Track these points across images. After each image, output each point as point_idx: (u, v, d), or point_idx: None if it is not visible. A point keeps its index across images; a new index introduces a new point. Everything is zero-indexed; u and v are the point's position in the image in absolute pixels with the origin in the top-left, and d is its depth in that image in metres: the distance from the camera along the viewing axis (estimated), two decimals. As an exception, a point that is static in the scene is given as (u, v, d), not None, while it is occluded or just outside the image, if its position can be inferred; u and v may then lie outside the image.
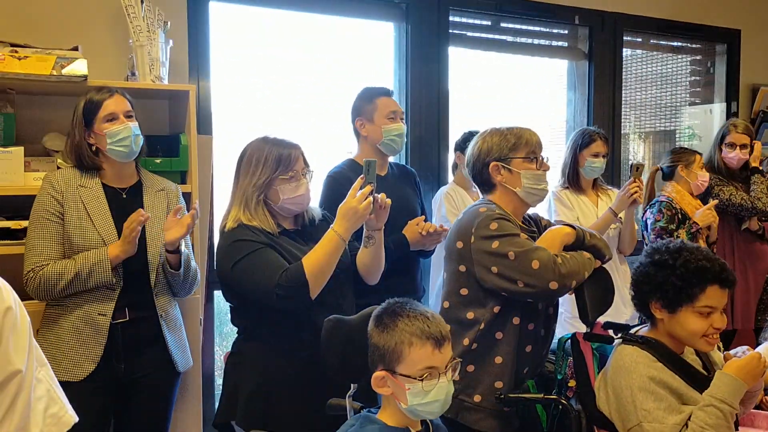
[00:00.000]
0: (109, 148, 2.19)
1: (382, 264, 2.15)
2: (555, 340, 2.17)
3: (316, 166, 2.18)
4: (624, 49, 4.21)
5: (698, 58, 4.69)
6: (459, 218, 2.12)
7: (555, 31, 4.09)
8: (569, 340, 2.06)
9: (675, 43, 4.60)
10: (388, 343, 1.51)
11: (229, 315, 2.17)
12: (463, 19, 3.75)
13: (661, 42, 4.52)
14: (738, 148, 3.59)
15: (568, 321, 3.01)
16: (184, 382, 2.46)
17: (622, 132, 4.26)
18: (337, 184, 2.53)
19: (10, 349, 1.05)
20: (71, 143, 2.22)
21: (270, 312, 1.98)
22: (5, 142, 2.44)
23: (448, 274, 2.11)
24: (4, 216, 2.39)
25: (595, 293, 2.03)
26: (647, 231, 3.35)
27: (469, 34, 3.81)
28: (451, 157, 3.39)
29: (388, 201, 2.04)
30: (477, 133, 2.61)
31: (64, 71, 2.38)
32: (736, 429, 1.87)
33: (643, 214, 3.40)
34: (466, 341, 2.01)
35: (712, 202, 3.36)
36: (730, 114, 4.56)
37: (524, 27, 3.97)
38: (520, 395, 1.99)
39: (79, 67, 2.40)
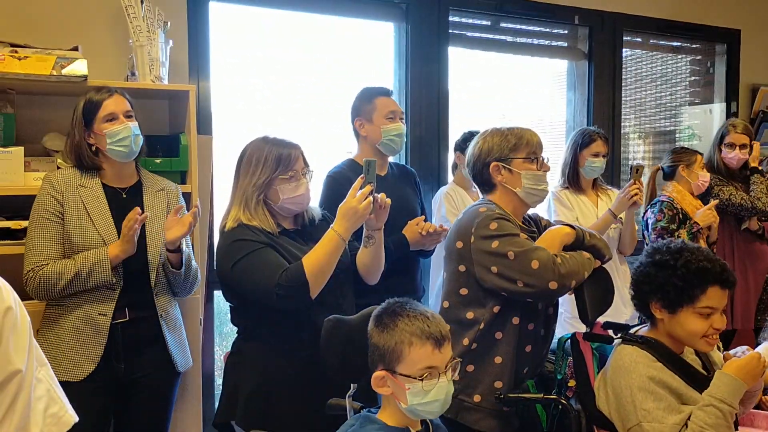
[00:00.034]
0: (108, 148, 2.19)
1: (381, 264, 2.15)
2: (555, 340, 2.17)
3: (316, 166, 2.19)
4: (624, 49, 4.21)
5: (698, 58, 4.69)
6: (459, 218, 2.12)
7: (555, 31, 4.09)
8: (569, 340, 2.06)
9: (675, 43, 4.60)
10: (388, 342, 1.51)
11: (228, 315, 2.17)
12: (463, 19, 3.75)
13: (661, 42, 4.52)
14: (737, 148, 3.60)
15: (567, 321, 3.01)
16: (183, 382, 2.46)
17: (622, 132, 4.27)
18: (337, 184, 2.53)
19: (10, 348, 1.05)
20: (71, 143, 2.22)
21: (270, 312, 1.98)
22: (5, 142, 2.44)
23: (447, 274, 2.11)
24: (4, 216, 2.39)
25: (594, 293, 2.03)
26: (648, 231, 3.35)
27: (469, 34, 3.82)
28: (451, 157, 3.39)
29: (388, 201, 2.04)
30: (477, 133, 2.60)
31: (64, 71, 2.38)
32: (736, 429, 1.87)
33: (644, 213, 3.40)
34: (465, 341, 2.01)
35: (713, 202, 3.37)
36: (729, 114, 4.57)
37: (524, 27, 3.97)
38: (519, 395, 1.99)
39: (79, 67, 2.40)
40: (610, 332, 2.07)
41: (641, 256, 1.99)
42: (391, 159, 2.80)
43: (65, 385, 1.22)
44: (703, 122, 4.67)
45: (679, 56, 4.65)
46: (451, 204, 3.08)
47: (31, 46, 2.43)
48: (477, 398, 2.00)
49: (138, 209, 2.12)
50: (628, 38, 4.25)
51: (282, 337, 2.01)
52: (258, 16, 3.32)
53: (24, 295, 1.65)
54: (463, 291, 2.03)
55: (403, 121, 2.72)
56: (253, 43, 3.32)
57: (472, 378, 2.01)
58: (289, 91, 3.40)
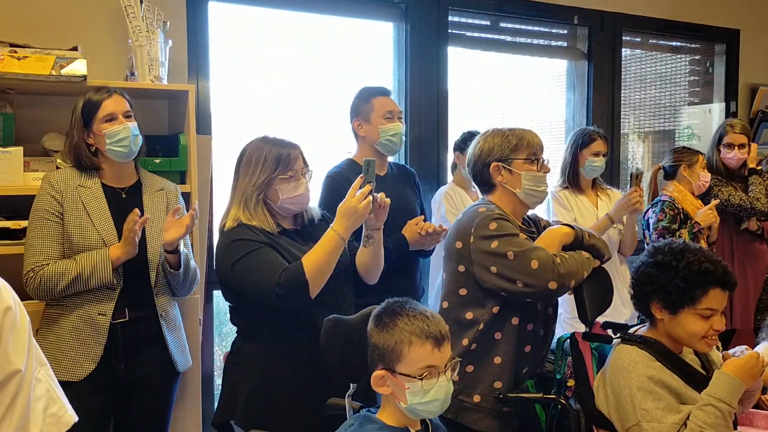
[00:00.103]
0: (108, 148, 2.19)
1: (381, 264, 2.15)
2: (554, 340, 2.17)
3: (316, 166, 2.19)
4: (623, 49, 4.22)
5: (697, 57, 4.70)
6: (458, 218, 2.13)
7: (554, 31, 4.09)
8: (568, 340, 2.06)
9: (674, 43, 4.60)
10: (388, 342, 1.51)
11: (228, 314, 2.17)
12: (463, 19, 3.75)
13: (660, 42, 4.52)
14: (736, 148, 3.60)
15: (567, 321, 3.01)
16: (183, 381, 2.46)
17: (621, 132, 4.27)
18: (337, 184, 2.53)
19: (9, 348, 1.05)
20: (70, 143, 2.22)
21: (269, 311, 1.98)
22: (4, 142, 2.44)
23: (447, 274, 2.11)
24: (4, 216, 2.39)
25: (594, 293, 2.03)
26: (649, 230, 3.36)
27: (468, 34, 3.82)
28: (451, 157, 3.39)
29: (388, 200, 2.04)
30: (476, 133, 2.60)
31: (64, 71, 2.38)
32: (735, 428, 1.88)
33: (645, 213, 3.40)
34: (465, 341, 2.01)
35: (714, 202, 3.37)
36: (729, 114, 4.57)
37: (523, 27, 3.97)
38: (519, 395, 1.99)
39: (78, 67, 2.40)
40: (609, 332, 2.07)
41: (642, 256, 1.99)
42: (390, 159, 2.80)
43: (65, 385, 1.22)
44: (703, 122, 4.67)
45: (679, 56, 4.65)
46: (450, 204, 3.08)
47: (30, 46, 2.43)
48: (476, 398, 2.00)
49: (137, 211, 2.13)
50: (628, 38, 4.25)
51: (281, 336, 2.01)
52: (257, 16, 3.32)
53: (23, 295, 1.65)
54: (463, 291, 2.03)
55: (402, 120, 2.71)
56: (253, 42, 3.32)
57: (471, 378, 2.01)
58: (288, 91, 3.40)
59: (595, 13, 4.04)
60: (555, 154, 3.51)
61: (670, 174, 3.47)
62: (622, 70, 4.21)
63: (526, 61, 4.14)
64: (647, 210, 3.39)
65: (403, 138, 2.73)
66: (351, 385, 1.75)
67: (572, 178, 3.22)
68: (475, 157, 2.12)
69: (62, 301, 2.16)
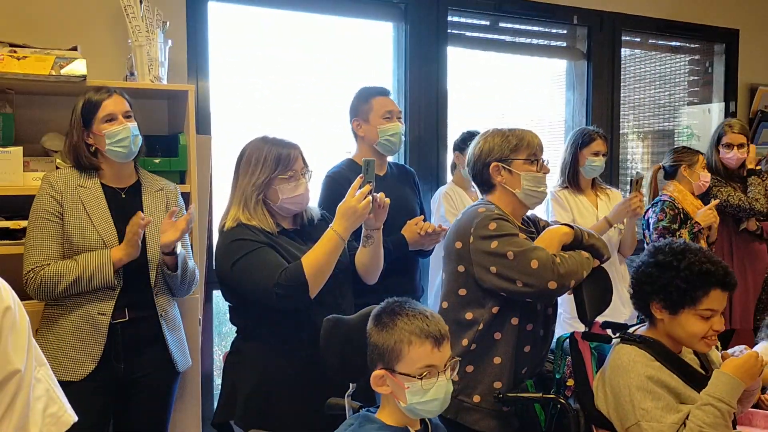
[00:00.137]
0: (108, 148, 2.19)
1: (380, 264, 2.16)
2: (554, 340, 2.17)
3: (315, 166, 2.19)
4: (622, 49, 4.22)
5: (697, 57, 4.70)
6: (458, 218, 2.13)
7: (553, 31, 4.10)
8: (567, 340, 2.07)
9: (673, 43, 4.60)
10: (388, 341, 1.51)
11: (227, 314, 2.17)
12: (462, 19, 3.75)
13: (660, 42, 4.52)
14: (735, 148, 3.60)
15: (566, 321, 3.01)
16: (182, 381, 2.46)
17: (621, 132, 4.27)
18: (336, 184, 2.53)
19: (9, 348, 1.05)
20: (69, 143, 2.22)
21: (269, 311, 1.98)
22: (4, 142, 2.44)
23: (446, 275, 2.11)
24: (3, 216, 2.39)
25: (593, 292, 2.03)
26: (649, 230, 3.36)
27: (468, 34, 3.82)
28: (450, 156, 3.39)
29: (387, 200, 2.04)
30: (476, 132, 2.59)
31: (63, 71, 2.38)
32: (734, 428, 1.88)
33: (645, 213, 3.40)
34: (464, 342, 2.01)
35: (714, 202, 3.38)
36: (728, 114, 4.57)
37: (523, 27, 3.97)
38: (518, 394, 1.99)
39: (77, 67, 2.40)
40: (609, 332, 2.07)
41: (642, 255, 1.99)
42: (390, 159, 2.80)
43: (65, 385, 1.22)
44: (702, 122, 4.68)
45: (678, 56, 4.65)
46: (450, 204, 3.08)
47: (29, 46, 2.43)
48: (476, 399, 2.00)
49: (141, 214, 2.13)
50: (627, 38, 4.25)
51: (281, 336, 2.02)
52: (257, 16, 3.32)
53: (23, 295, 1.65)
54: (462, 291, 2.03)
55: (401, 120, 2.71)
56: (252, 42, 3.32)
57: (471, 378, 2.01)
58: (288, 91, 3.40)
59: (594, 13, 4.05)
60: (554, 154, 3.51)
61: (671, 174, 3.47)
62: (622, 70, 4.21)
63: (526, 61, 4.14)
64: (647, 210, 3.40)
65: (403, 138, 2.73)
66: (350, 384, 1.75)
67: (572, 178, 3.22)
68: (474, 157, 2.12)
69: (62, 301, 2.16)
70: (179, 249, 2.22)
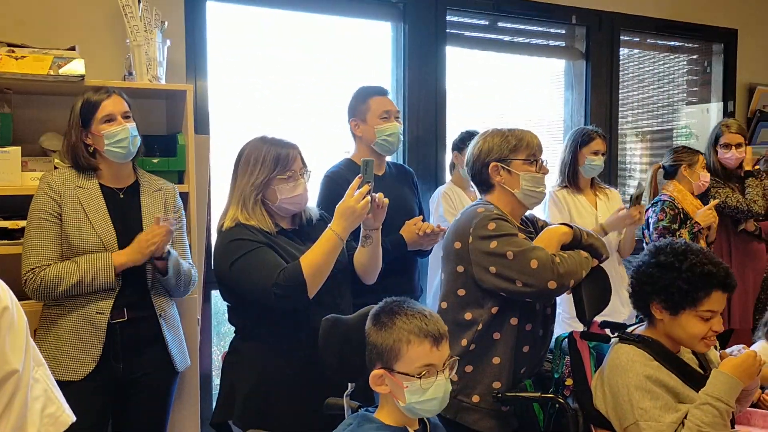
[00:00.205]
0: (106, 149, 2.19)
1: (379, 264, 2.16)
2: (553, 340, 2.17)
3: (314, 166, 2.18)
4: (621, 49, 4.22)
5: (695, 57, 4.70)
6: (457, 219, 2.13)
7: (552, 30, 4.10)
8: (566, 339, 2.07)
9: (672, 43, 4.61)
10: (386, 341, 1.51)
11: (226, 314, 2.17)
12: (461, 19, 3.75)
13: (658, 41, 4.52)
14: (733, 147, 3.61)
15: (566, 321, 3.01)
16: (181, 381, 2.46)
17: (619, 131, 4.27)
18: (335, 184, 2.53)
19: (7, 348, 1.05)
20: (68, 143, 2.22)
21: (267, 311, 1.98)
22: (2, 142, 2.43)
23: (445, 275, 2.11)
24: (2, 216, 2.38)
25: (592, 292, 2.03)
26: (649, 230, 3.36)
27: (467, 33, 3.82)
28: (449, 156, 3.39)
29: (386, 200, 2.04)
30: (474, 132, 2.59)
31: (61, 71, 2.38)
32: (733, 427, 1.88)
33: (645, 212, 3.40)
34: (464, 342, 2.01)
35: (713, 202, 3.38)
36: (726, 113, 4.58)
37: (521, 27, 3.97)
38: (517, 394, 1.99)
39: (76, 67, 2.40)
40: (608, 331, 2.08)
41: (643, 255, 1.99)
42: (388, 158, 2.80)
43: (65, 385, 1.22)
44: (701, 122, 4.68)
45: (677, 56, 4.66)
46: (449, 204, 3.08)
47: (28, 46, 2.42)
48: (475, 399, 2.00)
49: (166, 225, 2.14)
50: (626, 38, 4.25)
51: (280, 336, 2.01)
52: (255, 16, 3.32)
53: (21, 295, 1.64)
54: (461, 292, 2.03)
55: (399, 120, 2.71)
56: (251, 42, 3.32)
57: (470, 378, 2.01)
58: (287, 91, 3.40)
59: (593, 12, 4.05)
60: (553, 154, 3.51)
61: (671, 173, 3.48)
62: (620, 69, 4.21)
63: (525, 60, 4.14)
64: (647, 209, 3.40)
65: (401, 138, 2.73)
66: (349, 384, 1.75)
67: (571, 178, 3.22)
68: (474, 157, 2.12)
69: (61, 301, 2.15)
70: (169, 248, 2.21)
